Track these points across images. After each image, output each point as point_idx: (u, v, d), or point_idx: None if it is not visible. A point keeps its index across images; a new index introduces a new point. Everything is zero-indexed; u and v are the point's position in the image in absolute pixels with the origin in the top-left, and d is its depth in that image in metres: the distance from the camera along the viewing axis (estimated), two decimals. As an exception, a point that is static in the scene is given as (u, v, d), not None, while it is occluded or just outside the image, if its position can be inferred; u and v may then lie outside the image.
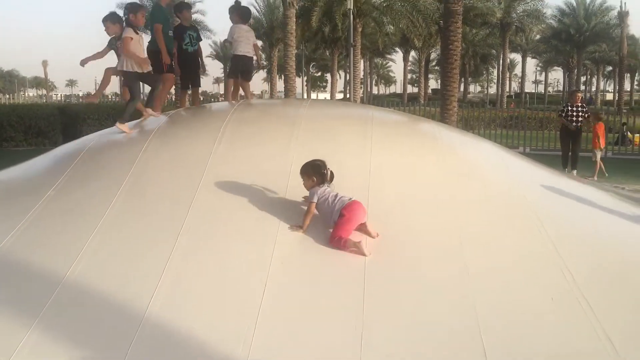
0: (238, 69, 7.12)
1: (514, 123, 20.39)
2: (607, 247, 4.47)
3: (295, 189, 4.36)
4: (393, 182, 4.67)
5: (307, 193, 4.23)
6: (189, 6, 7.50)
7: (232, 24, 7.06)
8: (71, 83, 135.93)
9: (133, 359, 3.06)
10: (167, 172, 4.68)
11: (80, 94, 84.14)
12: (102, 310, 3.38)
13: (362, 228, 4.09)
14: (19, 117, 16.90)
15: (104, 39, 6.13)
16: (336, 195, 4.11)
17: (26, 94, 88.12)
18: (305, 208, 4.15)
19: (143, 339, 3.17)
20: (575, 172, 11.95)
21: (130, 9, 5.83)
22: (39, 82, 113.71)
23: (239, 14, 7.11)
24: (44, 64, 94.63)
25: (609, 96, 73.52)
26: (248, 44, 6.99)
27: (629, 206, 5.55)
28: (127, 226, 4.10)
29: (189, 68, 7.05)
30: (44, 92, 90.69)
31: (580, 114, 12.13)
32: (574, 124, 12.11)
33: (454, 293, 3.64)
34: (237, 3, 7.41)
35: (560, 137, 12.91)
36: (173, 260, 3.72)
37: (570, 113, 12.17)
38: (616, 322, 3.48)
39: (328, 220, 4.09)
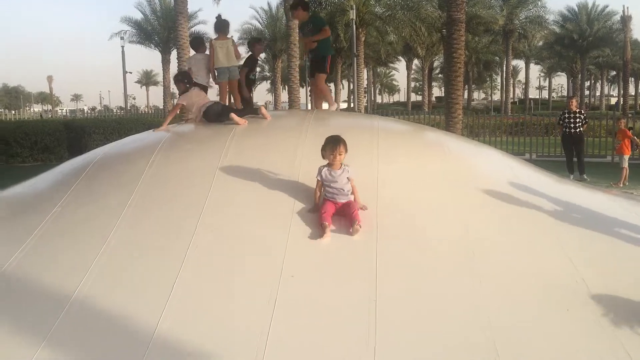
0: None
1: (519, 129, 20.36)
2: (622, 255, 4.41)
3: (303, 201, 4.34)
4: (401, 190, 4.64)
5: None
6: (260, 40, 8.09)
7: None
8: (76, 97, 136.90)
9: (143, 377, 3.02)
10: (173, 186, 4.65)
11: (85, 108, 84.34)
12: (111, 328, 3.35)
13: None
14: (25, 133, 16.96)
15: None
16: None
17: (32, 109, 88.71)
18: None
19: (153, 357, 3.13)
20: (585, 176, 11.95)
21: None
22: (45, 98, 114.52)
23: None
24: (49, 79, 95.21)
25: (614, 100, 73.35)
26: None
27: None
28: (135, 242, 4.07)
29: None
30: (50, 107, 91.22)
31: (577, 119, 12.23)
32: (573, 129, 12.21)
33: (465, 301, 3.60)
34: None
35: (563, 144, 13.05)
36: (182, 276, 3.68)
37: (568, 120, 12.31)
38: (632, 333, 3.43)
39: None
